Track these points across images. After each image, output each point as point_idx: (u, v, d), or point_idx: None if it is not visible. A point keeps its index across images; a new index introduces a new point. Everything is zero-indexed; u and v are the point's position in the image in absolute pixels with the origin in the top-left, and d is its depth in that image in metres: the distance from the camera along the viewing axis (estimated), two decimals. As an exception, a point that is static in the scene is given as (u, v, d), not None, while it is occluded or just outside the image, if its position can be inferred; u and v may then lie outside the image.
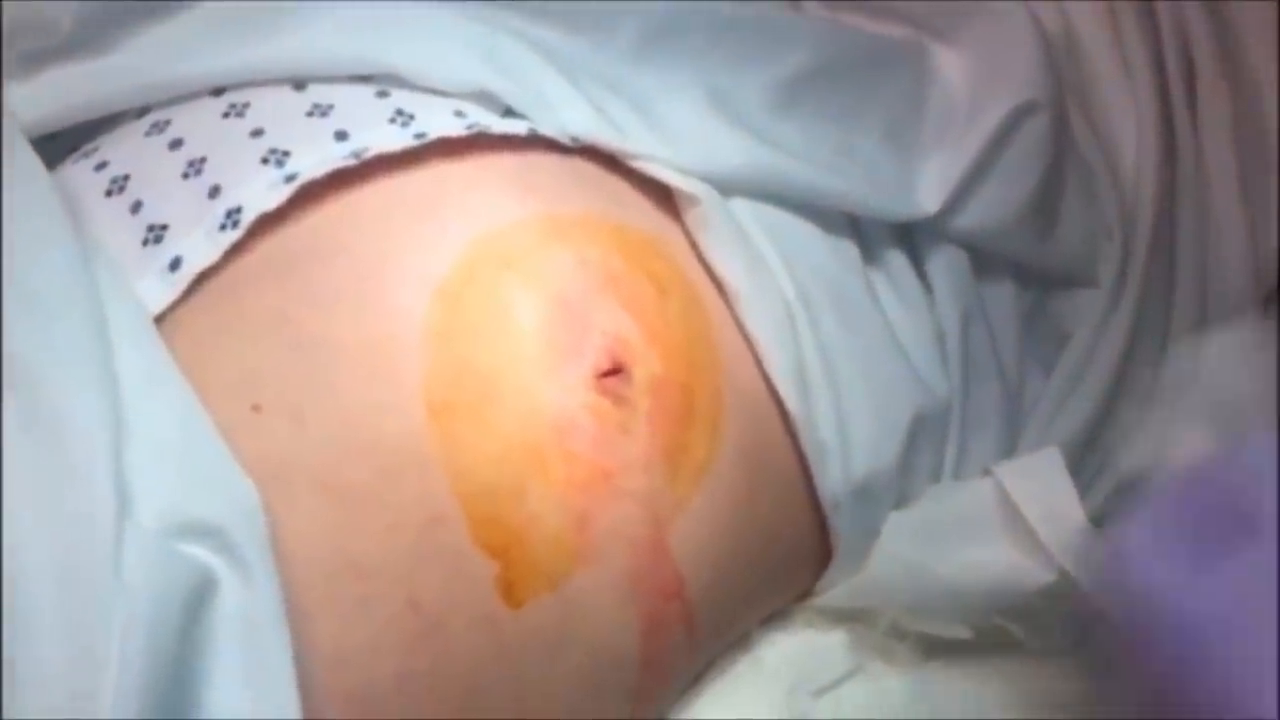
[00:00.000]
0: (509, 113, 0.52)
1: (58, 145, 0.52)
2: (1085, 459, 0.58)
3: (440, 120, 0.50)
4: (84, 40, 0.51)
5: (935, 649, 0.55)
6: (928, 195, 0.56)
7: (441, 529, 0.44)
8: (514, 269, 0.47)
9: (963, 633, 0.53)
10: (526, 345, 0.46)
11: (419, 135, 0.49)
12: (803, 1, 0.65)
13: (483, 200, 0.48)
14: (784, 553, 0.53)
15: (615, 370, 0.46)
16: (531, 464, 0.45)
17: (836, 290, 0.54)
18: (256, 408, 0.44)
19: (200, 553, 0.40)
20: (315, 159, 0.47)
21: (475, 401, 0.45)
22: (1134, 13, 0.65)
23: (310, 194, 0.47)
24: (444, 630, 0.44)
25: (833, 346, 0.52)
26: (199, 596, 0.40)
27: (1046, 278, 0.61)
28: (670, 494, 0.47)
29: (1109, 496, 0.58)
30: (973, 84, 0.60)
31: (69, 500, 0.39)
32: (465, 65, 0.51)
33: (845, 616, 0.55)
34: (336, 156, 0.47)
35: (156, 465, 0.41)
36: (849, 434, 0.52)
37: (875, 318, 0.55)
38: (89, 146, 0.52)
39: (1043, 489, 0.52)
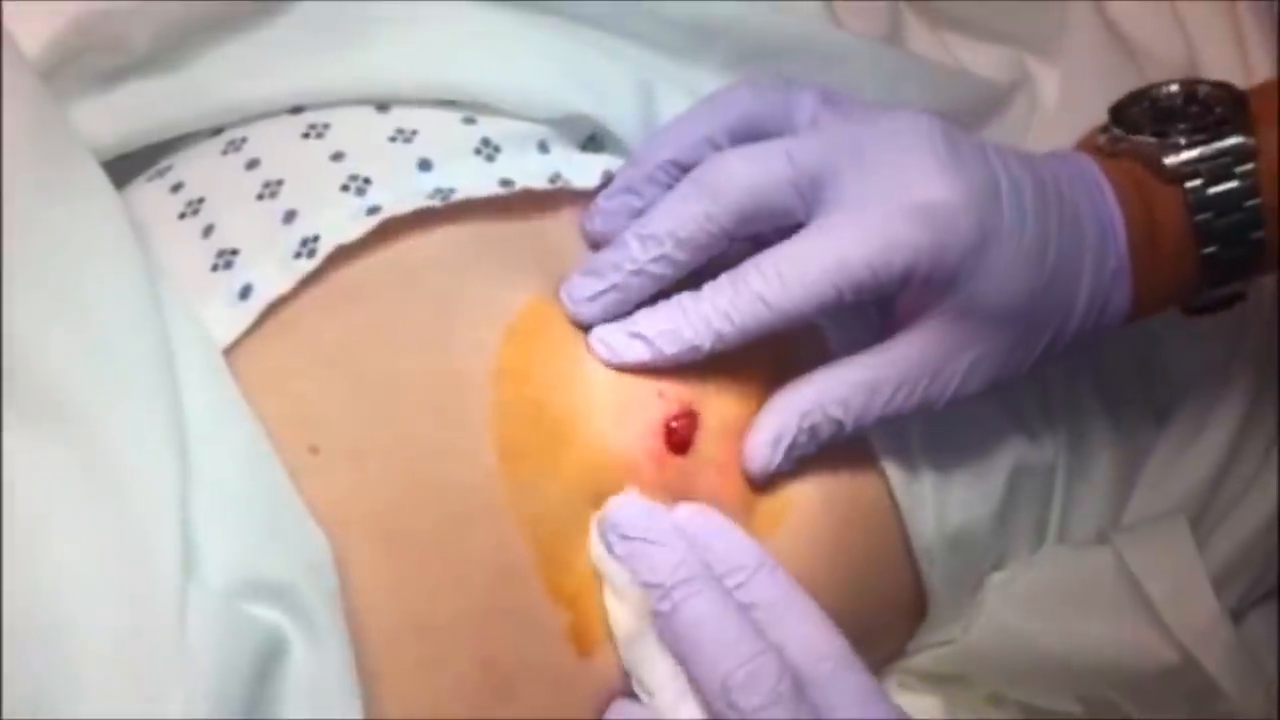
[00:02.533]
0: (593, 139, 0.51)
1: (129, 162, 0.50)
2: (1205, 514, 0.55)
3: (525, 161, 0.48)
4: (160, 56, 0.49)
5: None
6: None
7: (513, 580, 0.43)
8: None
9: (1074, 708, 0.50)
10: (596, 392, 0.45)
11: (505, 182, 0.47)
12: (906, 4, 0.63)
13: (559, 245, 0.47)
14: (876, 605, 0.51)
15: (685, 416, 0.46)
16: (597, 509, 0.44)
17: None
18: (314, 449, 0.42)
19: (269, 614, 0.38)
20: (398, 190, 0.46)
21: (546, 445, 0.44)
22: (1264, 36, 0.62)
23: (386, 223, 0.45)
24: (515, 688, 0.42)
25: None
26: (266, 662, 0.38)
27: (1158, 327, 0.57)
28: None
29: (1230, 554, 0.55)
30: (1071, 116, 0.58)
31: (130, 558, 0.37)
32: (553, 90, 0.50)
33: (941, 680, 0.53)
34: (420, 191, 0.46)
35: (223, 516, 0.39)
36: (945, 482, 0.50)
37: None
38: (163, 165, 0.50)
39: (1167, 564, 0.50)
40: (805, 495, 0.47)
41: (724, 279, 0.45)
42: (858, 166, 0.44)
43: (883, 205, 0.44)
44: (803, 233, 0.45)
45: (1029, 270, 0.45)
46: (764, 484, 0.46)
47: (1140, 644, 0.49)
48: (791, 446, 0.45)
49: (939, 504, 0.50)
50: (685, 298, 0.45)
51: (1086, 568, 0.51)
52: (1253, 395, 0.56)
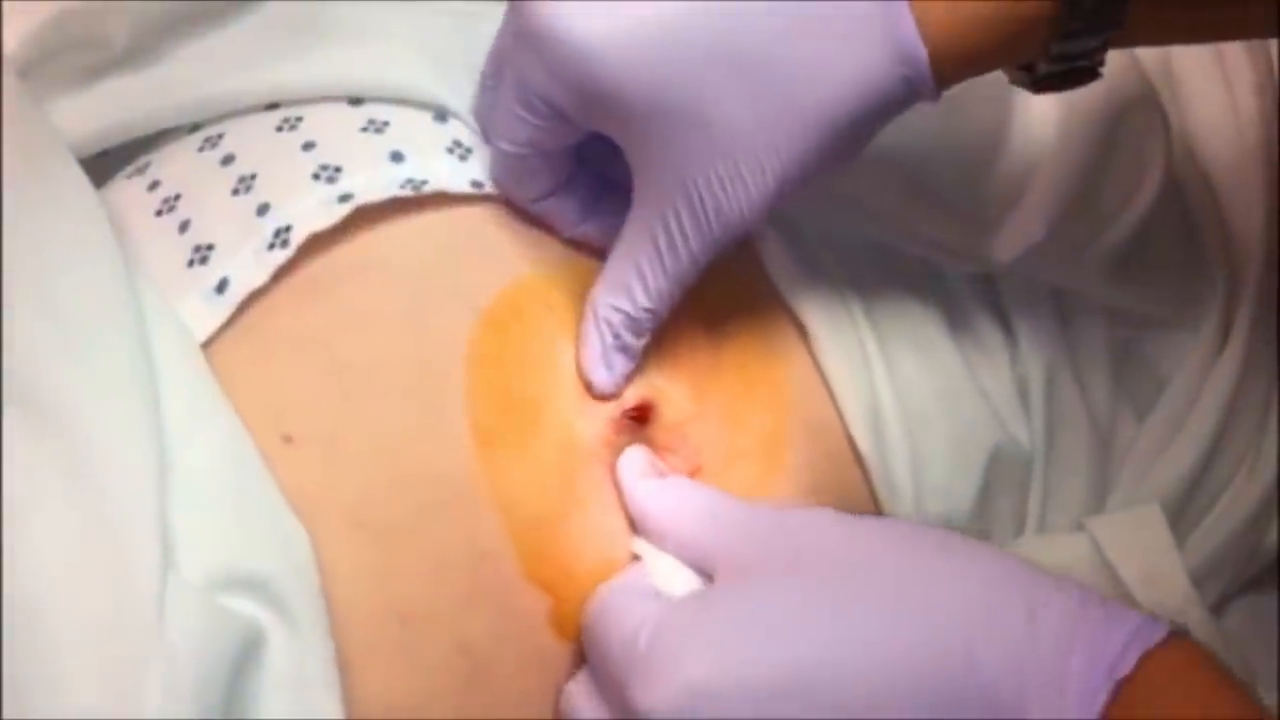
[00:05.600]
0: None
1: (108, 159, 0.50)
2: (1186, 509, 0.55)
3: None
4: (138, 52, 0.50)
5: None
6: (1006, 243, 0.53)
7: (491, 565, 0.43)
8: (556, 312, 0.46)
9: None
10: (564, 379, 0.45)
11: (475, 184, 0.47)
12: None
13: (532, 240, 0.47)
14: None
15: (643, 408, 0.46)
16: (569, 492, 0.44)
17: (914, 330, 0.52)
18: (288, 439, 0.42)
19: (247, 606, 0.39)
20: (369, 178, 0.46)
21: (519, 428, 0.44)
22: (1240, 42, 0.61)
23: (359, 213, 0.45)
24: (495, 673, 0.42)
25: (910, 387, 0.51)
26: (245, 654, 0.38)
27: (1139, 320, 0.57)
28: None
29: (1212, 550, 0.54)
30: (1062, 116, 0.56)
31: (108, 553, 0.37)
32: None
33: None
34: (393, 180, 0.46)
35: (201, 510, 0.39)
36: (923, 475, 0.50)
37: (955, 360, 0.52)
38: (141, 162, 0.50)
39: (1142, 548, 0.50)
40: (783, 483, 0.47)
41: None
42: None
43: None
44: None
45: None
46: (615, 396, 0.46)
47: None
48: (621, 349, 0.45)
49: (917, 497, 0.50)
50: None
51: (1062, 555, 0.51)
52: (1235, 390, 0.55)
